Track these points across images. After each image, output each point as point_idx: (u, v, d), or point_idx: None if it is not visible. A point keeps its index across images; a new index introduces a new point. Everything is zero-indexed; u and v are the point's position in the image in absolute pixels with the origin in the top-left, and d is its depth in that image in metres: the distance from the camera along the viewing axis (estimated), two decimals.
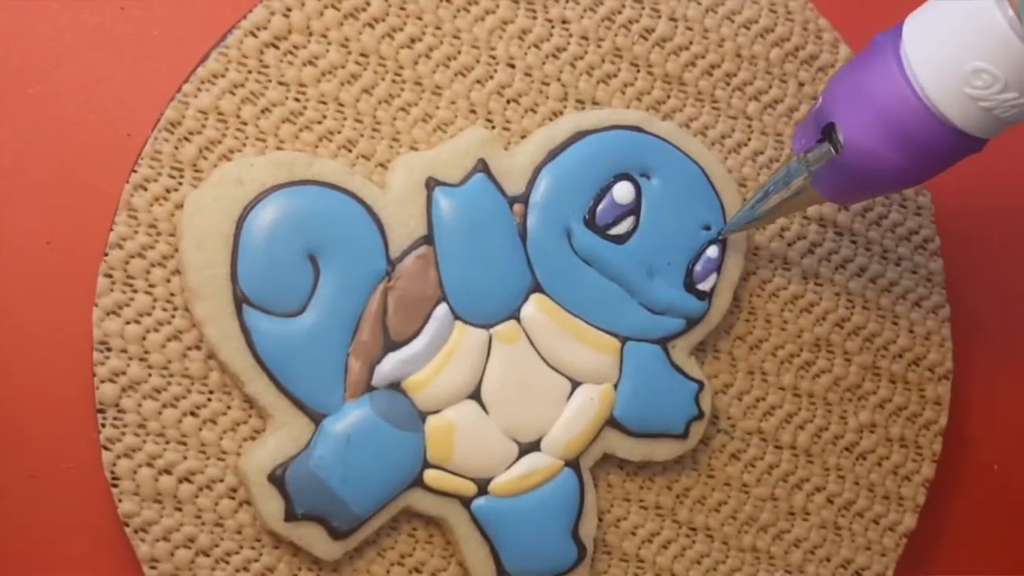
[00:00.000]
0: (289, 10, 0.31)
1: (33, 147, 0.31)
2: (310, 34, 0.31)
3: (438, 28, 0.32)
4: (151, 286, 0.30)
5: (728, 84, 0.34)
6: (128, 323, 0.30)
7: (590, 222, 0.32)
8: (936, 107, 0.27)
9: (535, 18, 0.33)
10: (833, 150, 0.29)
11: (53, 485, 0.31)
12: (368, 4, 0.32)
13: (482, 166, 0.31)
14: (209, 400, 0.30)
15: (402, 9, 0.32)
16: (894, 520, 0.35)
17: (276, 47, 0.31)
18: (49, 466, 0.31)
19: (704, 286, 0.33)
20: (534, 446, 0.32)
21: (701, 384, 0.33)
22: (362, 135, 0.32)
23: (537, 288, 0.32)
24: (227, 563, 0.30)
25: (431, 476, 0.31)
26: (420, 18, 0.32)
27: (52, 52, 0.31)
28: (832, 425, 0.35)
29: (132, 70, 0.32)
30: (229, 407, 0.30)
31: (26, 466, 0.31)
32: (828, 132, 0.29)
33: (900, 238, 0.35)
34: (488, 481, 0.31)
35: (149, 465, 0.30)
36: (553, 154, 0.32)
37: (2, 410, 0.31)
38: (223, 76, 0.31)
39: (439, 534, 0.32)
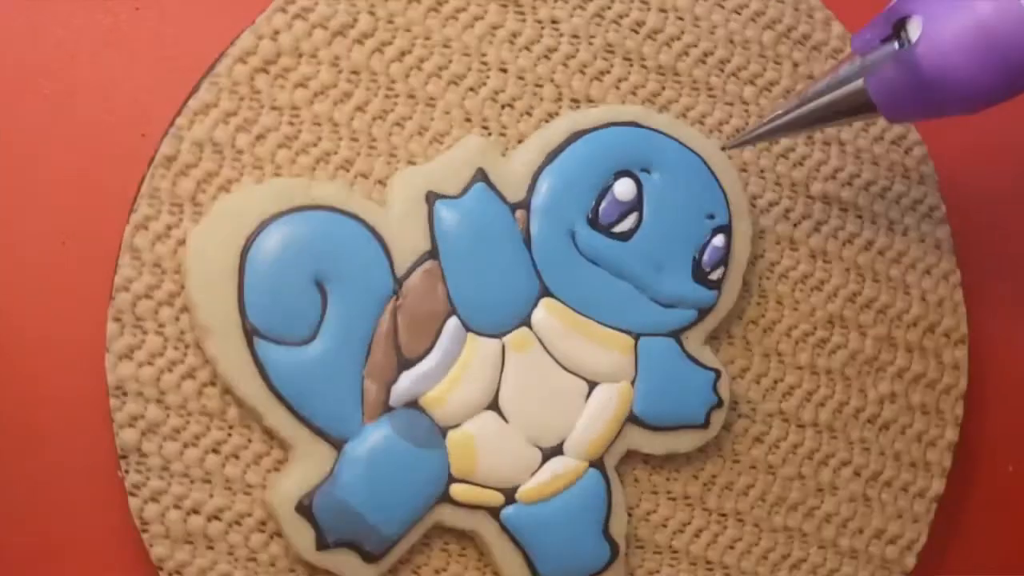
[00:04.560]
0: (277, 33, 0.29)
1: (48, 147, 0.30)
2: (300, 55, 0.29)
3: (427, 39, 0.30)
4: (161, 326, 0.28)
5: (723, 71, 0.32)
6: (141, 366, 0.28)
7: (593, 222, 0.30)
8: None
9: (524, 20, 0.31)
10: (899, 46, 0.26)
11: (68, 487, 0.29)
12: (355, 20, 0.30)
13: (481, 175, 0.29)
14: (229, 436, 0.29)
15: (390, 23, 0.30)
16: (923, 486, 0.33)
17: (266, 72, 0.29)
18: (64, 468, 0.29)
19: (713, 275, 0.31)
20: (557, 450, 0.30)
21: (718, 372, 0.31)
22: (359, 153, 0.30)
23: (546, 293, 0.30)
24: None
25: (457, 490, 0.29)
26: (409, 30, 0.30)
27: (67, 53, 0.30)
28: (852, 399, 0.33)
29: (147, 70, 0.30)
30: (250, 440, 0.29)
31: (41, 467, 0.29)
32: (898, 30, 0.27)
33: (905, 208, 0.33)
34: (515, 489, 0.30)
35: (177, 507, 0.28)
36: (551, 157, 0.30)
37: (17, 411, 0.29)
38: (215, 106, 0.29)
39: (472, 546, 0.30)
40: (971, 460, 0.35)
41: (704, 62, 0.32)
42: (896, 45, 0.27)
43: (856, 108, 0.28)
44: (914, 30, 0.26)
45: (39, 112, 0.30)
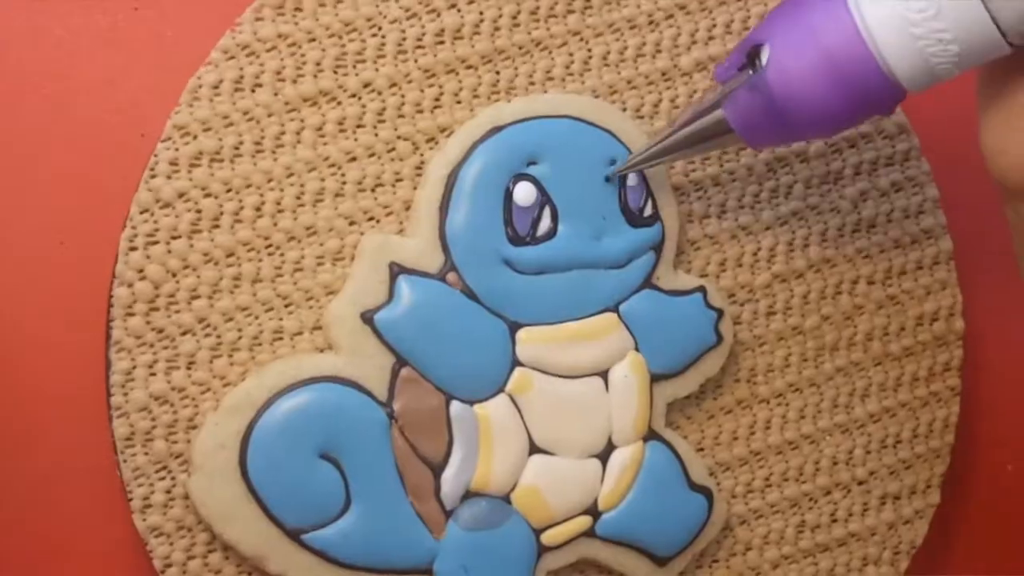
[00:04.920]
0: (142, 271, 0.29)
1: (47, 148, 0.30)
2: (175, 278, 0.29)
3: (270, 180, 0.29)
4: None
5: (517, 24, 0.31)
6: None
7: (516, 239, 0.30)
8: (868, 29, 0.26)
9: (339, 103, 0.30)
10: (752, 74, 0.27)
11: (67, 486, 0.30)
12: (199, 213, 0.29)
13: (397, 268, 0.29)
14: None
15: (228, 191, 0.29)
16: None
17: (155, 309, 0.29)
18: (63, 467, 0.30)
19: (646, 211, 0.31)
20: (610, 448, 0.30)
21: (703, 289, 0.31)
22: (282, 318, 0.29)
23: (516, 327, 0.30)
24: None
25: (548, 537, 0.30)
26: (249, 184, 0.29)
27: (66, 53, 0.30)
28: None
29: (146, 71, 0.30)
30: None
31: (40, 467, 0.30)
32: (752, 58, 0.27)
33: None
34: (595, 503, 0.30)
35: None
36: (443, 209, 0.30)
37: (16, 411, 0.30)
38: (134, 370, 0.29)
39: (589, 568, 0.31)
40: (970, 460, 0.35)
41: (517, 24, 0.31)
42: (750, 72, 0.27)
43: (718, 134, 0.28)
44: (765, 57, 0.27)
45: (38, 112, 0.30)
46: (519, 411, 0.30)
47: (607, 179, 0.30)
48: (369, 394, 0.29)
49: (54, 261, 0.30)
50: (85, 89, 0.30)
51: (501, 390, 0.30)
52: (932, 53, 0.25)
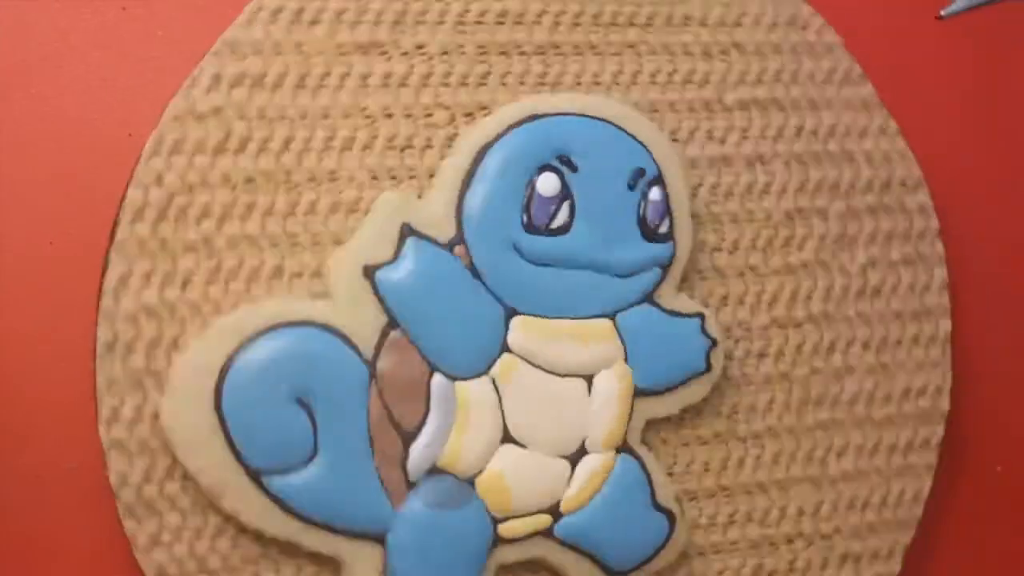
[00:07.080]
0: (161, 178, 0.28)
1: (35, 147, 0.30)
2: (191, 190, 0.29)
3: (303, 118, 0.29)
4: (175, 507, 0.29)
5: (598, 24, 0.31)
6: (172, 556, 0.28)
7: (530, 226, 0.30)
8: None
9: (390, 58, 0.30)
10: None
11: (57, 487, 0.29)
12: (228, 134, 0.29)
13: (407, 230, 0.29)
14: (278, 572, 0.29)
15: (262, 119, 0.29)
16: (930, 332, 0.34)
17: (165, 219, 0.28)
18: (52, 468, 0.29)
19: (662, 228, 0.31)
20: (582, 452, 0.30)
21: (702, 315, 0.31)
22: (283, 257, 0.29)
23: (513, 313, 0.30)
24: None
25: (505, 529, 0.30)
26: (283, 117, 0.29)
27: (54, 52, 0.30)
28: (836, 279, 0.33)
29: (135, 70, 0.30)
30: (300, 569, 0.29)
31: (29, 468, 0.29)
32: None
33: (825, 80, 0.33)
34: (557, 504, 0.30)
35: None
36: (467, 183, 0.29)
37: (4, 411, 0.29)
38: (132, 274, 0.28)
39: (543, 570, 0.31)
40: (959, 460, 0.35)
41: (578, 24, 0.31)
42: None
43: None
44: None
45: (26, 112, 0.30)
46: (499, 397, 0.29)
47: (939, 17, 0.29)
48: (355, 348, 0.29)
49: (43, 261, 0.29)
50: (73, 89, 0.30)
51: (485, 373, 0.29)
52: None
